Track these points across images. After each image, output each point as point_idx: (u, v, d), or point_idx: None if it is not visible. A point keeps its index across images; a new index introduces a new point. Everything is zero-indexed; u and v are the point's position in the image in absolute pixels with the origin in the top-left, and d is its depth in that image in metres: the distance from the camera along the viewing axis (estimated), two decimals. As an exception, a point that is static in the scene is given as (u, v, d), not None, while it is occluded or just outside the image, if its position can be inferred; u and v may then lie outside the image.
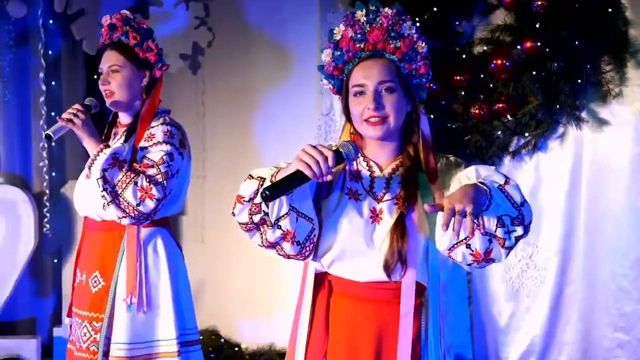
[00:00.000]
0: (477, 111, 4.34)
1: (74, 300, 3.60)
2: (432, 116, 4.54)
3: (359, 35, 2.48)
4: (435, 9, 4.50)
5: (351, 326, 2.44)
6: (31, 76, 5.36)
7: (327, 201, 2.46)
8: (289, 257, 2.40)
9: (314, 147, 2.21)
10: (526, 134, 4.39)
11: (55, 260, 5.44)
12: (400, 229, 2.35)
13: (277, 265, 5.00)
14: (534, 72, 4.25)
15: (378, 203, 2.44)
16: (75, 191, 3.61)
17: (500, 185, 2.23)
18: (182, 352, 3.50)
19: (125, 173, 3.27)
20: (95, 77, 3.66)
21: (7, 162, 5.41)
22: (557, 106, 4.27)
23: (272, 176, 2.29)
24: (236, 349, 5.46)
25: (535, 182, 4.45)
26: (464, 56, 4.48)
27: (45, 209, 5.16)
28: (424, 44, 2.52)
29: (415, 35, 2.51)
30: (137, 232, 3.45)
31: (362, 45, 2.49)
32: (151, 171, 3.32)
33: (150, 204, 3.27)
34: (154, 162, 3.34)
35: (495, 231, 2.20)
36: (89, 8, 5.34)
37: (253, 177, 2.32)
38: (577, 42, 4.20)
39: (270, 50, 5.33)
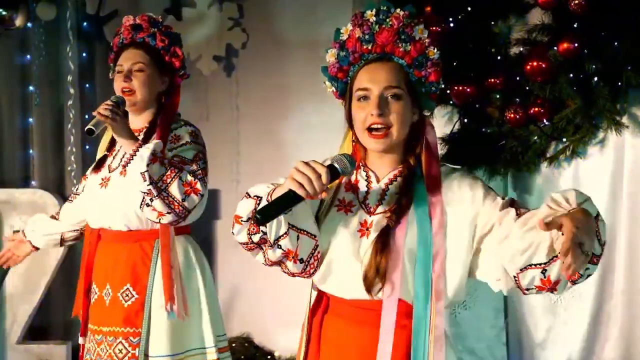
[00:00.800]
0: (512, 115, 4.15)
1: (93, 318, 3.49)
2: (465, 120, 4.38)
3: (366, 36, 2.34)
4: (469, 8, 4.33)
5: (338, 348, 2.33)
6: (62, 80, 5.31)
7: (324, 215, 2.34)
8: (293, 275, 2.29)
9: (307, 163, 2.08)
10: (564, 139, 4.17)
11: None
12: (382, 242, 2.22)
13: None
14: (571, 75, 4.03)
15: (370, 216, 2.30)
16: (88, 204, 3.52)
17: (595, 217, 2.06)
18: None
19: (170, 168, 3.18)
20: (110, 75, 3.55)
21: (40, 166, 5.39)
22: (596, 110, 4.04)
23: (268, 195, 2.17)
24: (269, 357, 5.36)
25: (574, 190, 4.23)
26: (499, 57, 4.28)
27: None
28: (435, 49, 2.37)
29: (427, 40, 2.37)
30: (172, 237, 3.36)
31: (369, 47, 2.34)
32: (192, 167, 3.25)
33: (195, 199, 3.20)
34: (190, 159, 3.29)
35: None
36: (122, 9, 5.28)
37: (250, 196, 2.21)
38: (616, 43, 3.97)
39: (305, 51, 5.21)
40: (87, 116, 5.22)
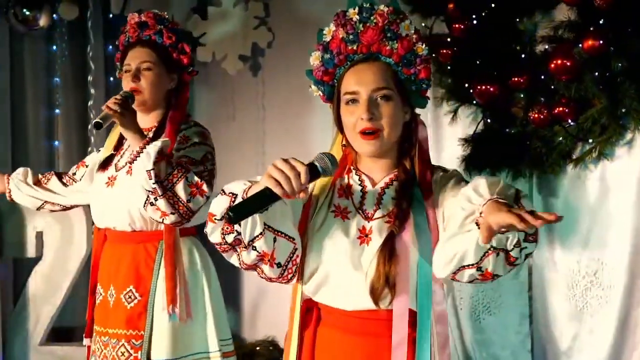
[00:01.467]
0: (536, 115, 3.99)
1: (99, 319, 3.45)
2: (488, 120, 4.24)
3: (351, 36, 2.24)
4: (493, 5, 4.18)
5: None
6: (84, 80, 5.31)
7: (313, 221, 2.22)
8: (270, 279, 2.16)
9: (286, 161, 1.96)
10: (590, 140, 4.00)
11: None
12: (389, 250, 2.11)
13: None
14: (597, 73, 3.86)
15: (368, 221, 2.20)
16: (95, 202, 3.46)
17: (515, 198, 1.97)
18: None
19: (177, 167, 3.09)
20: (117, 75, 3.50)
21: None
22: (623, 110, 3.86)
23: (244, 192, 2.04)
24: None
25: (601, 193, 4.05)
26: (523, 56, 4.13)
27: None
28: (424, 45, 2.25)
29: (414, 36, 2.25)
30: (176, 238, 3.29)
31: (354, 47, 2.24)
32: (199, 168, 3.16)
33: (200, 201, 3.11)
34: (197, 160, 3.20)
35: (511, 249, 1.94)
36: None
37: (225, 193, 2.08)
38: (643, 40, 3.79)
39: (331, 50, 5.10)
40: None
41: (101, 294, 3.43)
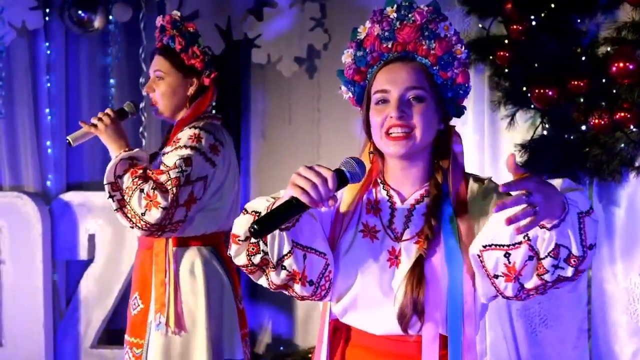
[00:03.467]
0: (597, 121, 3.81)
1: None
2: (547, 125, 4.07)
3: (386, 33, 2.13)
4: (552, 5, 4.02)
5: None
6: (137, 82, 5.28)
7: (340, 240, 2.10)
8: (302, 298, 2.06)
9: (310, 167, 1.85)
10: (654, 147, 3.81)
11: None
12: (417, 275, 1.99)
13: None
14: (661, 77, 3.67)
15: (397, 242, 2.07)
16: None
17: (581, 212, 1.83)
18: None
19: (133, 179, 3.02)
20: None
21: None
22: (688, 115, 3.67)
23: (267, 209, 1.94)
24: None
25: (666, 203, 3.87)
26: (583, 58, 3.95)
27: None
28: (463, 48, 2.12)
29: (453, 38, 2.11)
30: (166, 248, 3.20)
31: (389, 45, 2.13)
32: (162, 177, 3.05)
33: (155, 214, 3.00)
34: (168, 167, 3.08)
35: (544, 257, 1.82)
36: (204, 10, 5.21)
37: (247, 212, 1.98)
38: None
39: (387, 52, 4.99)
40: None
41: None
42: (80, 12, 5.10)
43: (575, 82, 3.89)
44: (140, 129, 5.16)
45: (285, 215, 1.85)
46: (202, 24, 5.10)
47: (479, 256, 1.94)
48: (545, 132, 4.08)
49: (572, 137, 3.98)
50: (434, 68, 2.12)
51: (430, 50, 2.11)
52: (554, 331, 4.22)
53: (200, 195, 3.13)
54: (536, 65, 4.02)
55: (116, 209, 3.03)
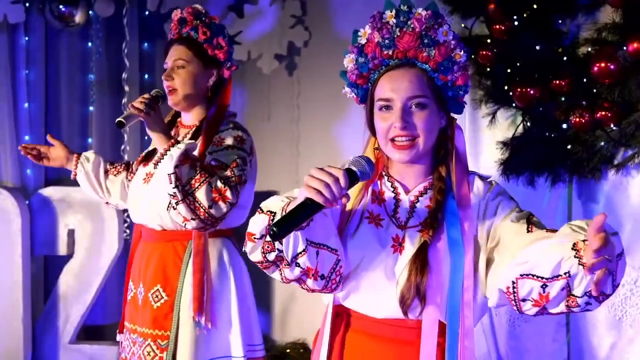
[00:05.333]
0: (578, 119, 3.88)
1: (129, 316, 3.41)
2: (528, 124, 4.14)
3: (387, 41, 2.18)
4: (535, 6, 4.07)
5: None
6: (118, 77, 5.29)
7: (347, 226, 2.17)
8: (313, 291, 2.13)
9: (321, 169, 1.91)
10: (633, 146, 3.88)
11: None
12: (421, 260, 2.07)
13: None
14: (642, 77, 3.75)
15: (401, 230, 2.15)
16: (130, 197, 3.43)
17: (615, 255, 1.91)
18: None
19: (200, 172, 3.01)
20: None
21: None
22: (668, 115, 3.75)
23: (282, 209, 1.99)
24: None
25: (643, 200, 3.96)
26: (565, 58, 4.02)
27: (126, 214, 5.06)
28: (462, 52, 2.18)
29: (452, 42, 2.17)
30: (205, 243, 3.22)
31: (390, 52, 2.18)
32: (226, 173, 3.07)
33: (223, 208, 3.03)
34: (227, 165, 3.11)
35: (580, 295, 1.92)
36: (183, 6, 5.20)
37: (263, 211, 2.03)
38: (692, 42, 3.66)
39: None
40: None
41: (132, 290, 3.41)
42: (61, 6, 5.09)
43: (557, 82, 3.95)
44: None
45: (301, 216, 1.90)
46: (182, 20, 5.14)
47: (513, 282, 2.01)
48: (525, 130, 4.15)
49: (553, 135, 4.04)
50: (435, 73, 2.18)
51: (430, 57, 2.17)
52: (533, 325, 4.30)
53: (243, 194, 3.17)
54: (518, 64, 4.08)
55: (181, 200, 3.00)
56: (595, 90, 3.91)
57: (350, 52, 2.26)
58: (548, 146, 4.04)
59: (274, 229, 1.86)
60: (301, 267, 2.04)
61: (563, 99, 3.99)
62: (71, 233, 5.14)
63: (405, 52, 2.17)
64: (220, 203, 3.03)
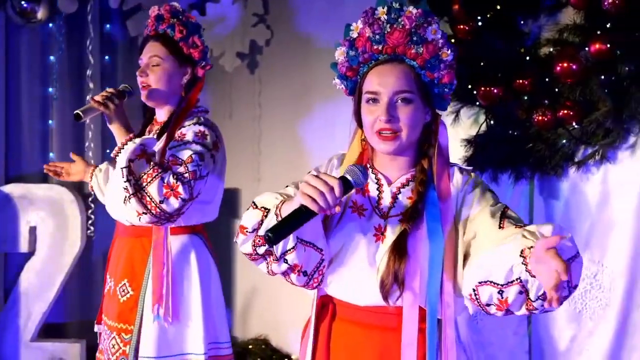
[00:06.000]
0: (540, 117, 3.99)
1: (104, 308, 3.47)
2: (492, 122, 4.24)
3: (377, 36, 2.25)
4: (498, 6, 4.18)
5: (352, 353, 2.24)
6: (80, 74, 5.27)
7: (331, 216, 2.24)
8: (296, 285, 2.21)
9: (317, 177, 1.99)
10: (593, 144, 4.01)
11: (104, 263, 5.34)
12: (400, 248, 2.14)
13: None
14: (603, 77, 3.86)
15: (384, 220, 2.23)
16: (106, 193, 3.46)
17: (569, 258, 1.97)
18: None
19: (153, 167, 3.05)
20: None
21: (60, 149, 5.36)
22: (627, 114, 3.86)
23: (276, 207, 2.09)
24: (286, 359, 5.27)
25: (602, 196, 4.06)
26: (528, 58, 4.14)
27: (90, 211, 5.06)
28: (449, 51, 2.26)
29: (440, 41, 2.25)
30: (165, 237, 3.25)
31: (380, 47, 2.25)
32: (179, 169, 3.10)
33: (174, 203, 3.06)
34: (182, 160, 3.14)
35: (534, 299, 2.00)
36: (146, 3, 5.22)
37: (257, 207, 2.13)
38: (652, 44, 3.79)
39: (330, 50, 5.03)
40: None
41: (109, 284, 3.46)
42: (23, 2, 5.05)
43: (520, 81, 4.05)
44: (87, 121, 5.14)
45: (296, 222, 2.00)
46: (143, 17, 5.15)
47: (474, 290, 2.11)
48: (488, 128, 4.25)
49: (516, 133, 4.15)
50: (422, 69, 2.25)
51: (418, 54, 2.24)
52: (495, 319, 4.37)
53: (202, 190, 3.19)
54: (482, 64, 4.18)
55: (132, 194, 3.03)
56: (557, 90, 4.02)
57: (341, 45, 2.33)
58: (511, 144, 4.15)
59: (269, 234, 1.95)
60: (289, 264, 2.13)
61: (526, 98, 4.10)
62: (33, 230, 5.12)
63: (394, 48, 2.25)
64: (172, 198, 3.06)
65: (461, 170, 2.32)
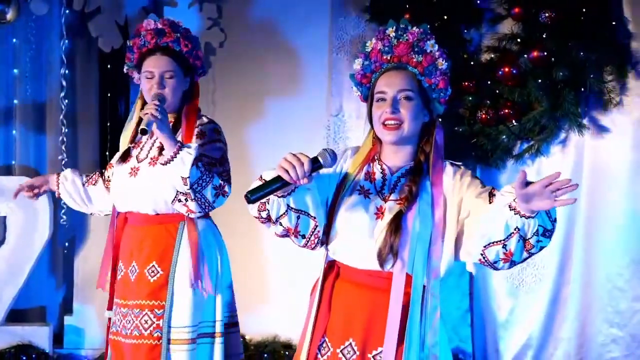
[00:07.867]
0: (483, 116, 4.54)
1: (119, 293, 3.74)
2: (439, 120, 4.72)
3: (386, 48, 2.72)
4: (445, 17, 4.69)
5: (348, 308, 2.67)
6: (49, 72, 5.47)
7: (342, 196, 2.70)
8: (299, 246, 2.68)
9: (294, 154, 2.44)
10: (530, 139, 4.60)
11: (66, 251, 5.59)
12: (395, 224, 2.58)
13: (281, 258, 5.22)
14: (540, 80, 4.46)
15: (384, 202, 2.66)
16: (117, 190, 3.76)
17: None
18: (226, 332, 3.74)
19: (204, 172, 3.42)
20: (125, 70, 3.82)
21: (22, 155, 5.53)
22: (561, 113, 4.47)
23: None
24: (240, 340, 5.52)
25: (537, 185, 4.63)
26: (471, 63, 4.66)
27: (62, 201, 5.25)
28: (444, 61, 2.74)
29: (437, 53, 2.75)
30: (196, 223, 3.64)
31: (388, 57, 2.72)
32: (219, 169, 3.51)
33: (223, 200, 3.51)
34: (217, 160, 3.54)
35: (530, 237, 2.40)
36: (106, 6, 5.42)
37: (261, 178, 2.55)
38: (581, 53, 4.41)
39: (282, 52, 5.46)
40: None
41: (122, 270, 3.74)
42: (-5, 4, 5.16)
43: (465, 83, 4.60)
44: (61, 117, 5.35)
45: (271, 187, 2.45)
46: (103, 19, 5.39)
47: (482, 254, 2.50)
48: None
49: (461, 130, 4.68)
50: (422, 76, 2.71)
51: (418, 63, 2.72)
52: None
53: None
54: (430, 68, 4.67)
55: (193, 199, 3.42)
56: (498, 91, 4.60)
57: (359, 58, 2.76)
58: (457, 139, 4.65)
59: (248, 195, 2.43)
60: (283, 227, 2.59)
61: (470, 98, 4.65)
62: (2, 220, 5.28)
63: (399, 57, 2.72)
64: (221, 197, 3.50)
65: (452, 164, 2.77)
